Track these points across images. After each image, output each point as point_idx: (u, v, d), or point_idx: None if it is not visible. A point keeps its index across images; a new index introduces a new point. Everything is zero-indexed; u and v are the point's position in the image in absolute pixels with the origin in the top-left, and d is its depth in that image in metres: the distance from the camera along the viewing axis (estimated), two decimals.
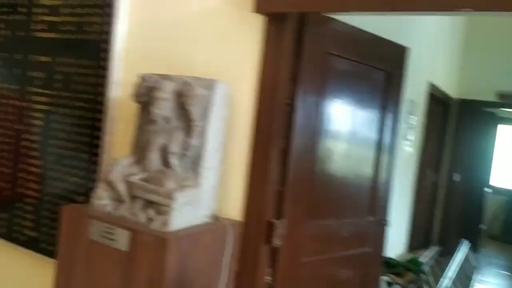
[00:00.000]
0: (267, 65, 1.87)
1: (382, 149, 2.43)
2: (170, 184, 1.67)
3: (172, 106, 1.79)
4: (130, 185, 1.74)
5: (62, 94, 2.36)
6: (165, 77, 1.83)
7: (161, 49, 2.13)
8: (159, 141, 1.76)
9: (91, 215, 1.73)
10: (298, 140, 1.97)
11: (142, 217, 1.69)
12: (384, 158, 2.45)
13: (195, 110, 1.75)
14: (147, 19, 2.19)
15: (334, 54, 2.07)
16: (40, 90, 2.45)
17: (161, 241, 1.56)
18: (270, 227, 1.90)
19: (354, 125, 2.28)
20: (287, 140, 1.93)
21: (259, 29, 1.88)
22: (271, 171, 1.88)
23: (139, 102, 1.89)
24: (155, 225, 1.65)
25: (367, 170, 2.39)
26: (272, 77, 1.86)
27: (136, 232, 1.62)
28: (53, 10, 2.41)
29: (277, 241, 1.92)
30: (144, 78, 1.85)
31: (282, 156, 1.93)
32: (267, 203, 1.89)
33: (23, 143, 2.51)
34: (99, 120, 2.23)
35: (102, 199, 1.80)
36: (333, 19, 2.03)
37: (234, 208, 1.93)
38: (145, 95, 1.85)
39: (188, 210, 1.71)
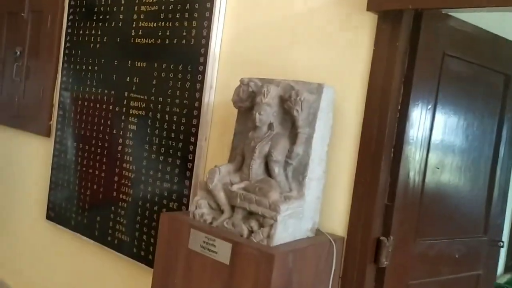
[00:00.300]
0: (378, 68, 1.71)
1: (498, 161, 2.17)
2: (274, 195, 1.57)
3: (275, 112, 1.69)
4: (230, 194, 1.65)
5: (159, 99, 2.34)
6: (268, 81, 1.73)
7: (260, 53, 2.05)
8: (261, 148, 1.66)
9: (192, 224, 1.66)
10: (408, 150, 1.78)
11: (243, 229, 1.59)
12: (500, 172, 2.19)
13: (301, 116, 1.63)
14: (245, 22, 2.12)
15: (450, 55, 1.87)
16: (137, 95, 2.45)
17: (267, 256, 1.45)
18: (378, 245, 1.74)
19: (468, 135, 2.05)
20: (397, 150, 1.76)
21: (369, 28, 1.73)
22: (380, 184, 1.72)
23: (240, 107, 1.81)
24: (258, 238, 1.55)
25: (480, 184, 2.14)
26: (383, 80, 1.70)
27: (238, 245, 1.53)
28: (149, 15, 2.41)
29: (384, 261, 1.75)
30: (245, 82, 1.77)
31: (391, 168, 1.76)
32: (375, 218, 1.72)
33: (119, 147, 2.53)
34: (195, 125, 2.19)
35: (200, 207, 1.73)
36: (451, 16, 1.84)
37: (338, 222, 1.79)
38: (246, 100, 1.77)
39: (292, 223, 1.60)
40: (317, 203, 1.72)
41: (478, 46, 1.97)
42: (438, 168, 1.92)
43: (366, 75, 1.74)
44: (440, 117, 1.89)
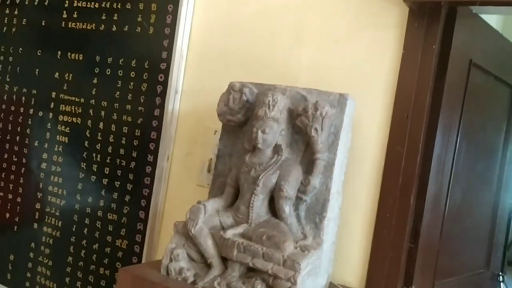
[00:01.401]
0: (409, 76, 1.35)
1: (501, 188, 1.93)
2: (290, 246, 1.13)
3: (284, 130, 1.25)
4: (223, 243, 1.19)
5: (102, 103, 1.80)
6: (268, 87, 1.30)
7: (246, 49, 1.60)
8: (266, 180, 1.22)
9: (169, 286, 1.18)
10: (435, 181, 1.45)
11: None
12: (504, 202, 1.95)
13: (320, 138, 1.21)
14: (226, 6, 1.66)
15: (476, 65, 1.57)
16: (70, 97, 1.89)
17: None
18: None
19: (480, 159, 1.77)
20: (422, 181, 1.41)
21: (396, 27, 1.37)
22: (409, 224, 1.36)
23: (228, 121, 1.35)
24: None
25: (485, 214, 1.88)
26: (416, 93, 1.34)
27: None
28: None
29: None
30: (236, 88, 1.32)
31: (417, 202, 1.41)
32: (400, 268, 1.36)
33: (43, 165, 1.94)
34: (154, 139, 1.69)
35: (177, 260, 1.25)
36: (480, 18, 1.53)
37: (353, 272, 1.40)
38: (239, 112, 1.32)
39: (309, 283, 1.17)
40: (331, 250, 1.31)
41: (501, 57, 1.70)
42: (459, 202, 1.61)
43: (392, 86, 1.37)
44: (462, 141, 1.58)
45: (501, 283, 1.99)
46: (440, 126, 1.40)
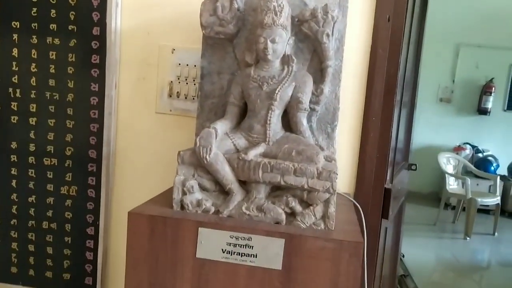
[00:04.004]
0: None
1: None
2: (322, 159, 1.10)
3: (290, 38, 1.16)
4: (244, 166, 1.09)
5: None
6: None
7: None
8: (283, 93, 1.13)
9: (194, 220, 1.06)
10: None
11: (279, 213, 1.09)
12: None
13: (331, 43, 1.16)
14: None
15: None
16: None
17: (354, 245, 1.02)
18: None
19: None
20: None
21: None
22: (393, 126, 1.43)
23: (217, 33, 1.19)
24: (309, 221, 1.08)
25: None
26: None
27: (296, 239, 1.03)
28: None
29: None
30: None
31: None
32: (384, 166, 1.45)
33: None
34: (94, 65, 1.42)
35: (192, 191, 1.12)
36: None
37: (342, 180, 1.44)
38: (231, 21, 1.18)
39: None
40: None
41: None
42: None
43: None
44: None
45: None
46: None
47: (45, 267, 1.54)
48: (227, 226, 1.05)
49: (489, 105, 5.98)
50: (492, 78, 5.95)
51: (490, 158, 5.83)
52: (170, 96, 1.47)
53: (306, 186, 1.08)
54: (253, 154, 1.11)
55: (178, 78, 1.45)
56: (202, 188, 1.14)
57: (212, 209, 1.12)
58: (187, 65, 1.45)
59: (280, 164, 1.08)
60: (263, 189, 1.12)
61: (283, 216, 1.09)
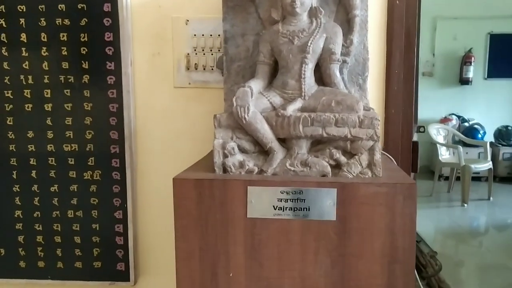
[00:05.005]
0: None
1: None
2: (362, 106, 1.09)
3: None
4: (283, 123, 1.08)
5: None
6: None
7: None
8: (315, 45, 1.12)
9: (242, 180, 1.04)
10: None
11: (324, 165, 1.08)
12: None
13: None
14: None
15: None
16: None
17: (407, 187, 1.01)
18: None
19: None
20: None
21: None
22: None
23: None
24: (356, 170, 1.07)
25: None
26: None
27: (348, 188, 1.02)
28: None
29: None
30: None
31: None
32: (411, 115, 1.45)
33: None
34: (109, 42, 1.38)
35: (234, 153, 1.10)
36: None
37: None
38: None
39: None
40: None
41: None
42: None
43: None
44: None
45: None
46: None
47: (74, 258, 1.49)
48: (276, 182, 1.04)
49: (470, 74, 6.09)
50: (471, 48, 6.06)
51: (476, 126, 5.94)
52: (188, 69, 1.44)
53: (349, 136, 1.07)
54: (292, 109, 1.09)
55: (195, 50, 1.42)
56: (241, 150, 1.12)
57: (256, 169, 1.10)
58: (203, 35, 1.42)
59: (320, 116, 1.07)
60: (305, 144, 1.10)
61: (329, 169, 1.08)
